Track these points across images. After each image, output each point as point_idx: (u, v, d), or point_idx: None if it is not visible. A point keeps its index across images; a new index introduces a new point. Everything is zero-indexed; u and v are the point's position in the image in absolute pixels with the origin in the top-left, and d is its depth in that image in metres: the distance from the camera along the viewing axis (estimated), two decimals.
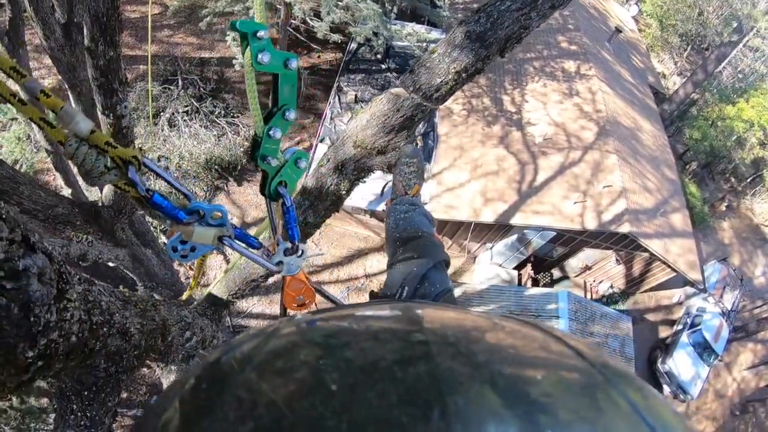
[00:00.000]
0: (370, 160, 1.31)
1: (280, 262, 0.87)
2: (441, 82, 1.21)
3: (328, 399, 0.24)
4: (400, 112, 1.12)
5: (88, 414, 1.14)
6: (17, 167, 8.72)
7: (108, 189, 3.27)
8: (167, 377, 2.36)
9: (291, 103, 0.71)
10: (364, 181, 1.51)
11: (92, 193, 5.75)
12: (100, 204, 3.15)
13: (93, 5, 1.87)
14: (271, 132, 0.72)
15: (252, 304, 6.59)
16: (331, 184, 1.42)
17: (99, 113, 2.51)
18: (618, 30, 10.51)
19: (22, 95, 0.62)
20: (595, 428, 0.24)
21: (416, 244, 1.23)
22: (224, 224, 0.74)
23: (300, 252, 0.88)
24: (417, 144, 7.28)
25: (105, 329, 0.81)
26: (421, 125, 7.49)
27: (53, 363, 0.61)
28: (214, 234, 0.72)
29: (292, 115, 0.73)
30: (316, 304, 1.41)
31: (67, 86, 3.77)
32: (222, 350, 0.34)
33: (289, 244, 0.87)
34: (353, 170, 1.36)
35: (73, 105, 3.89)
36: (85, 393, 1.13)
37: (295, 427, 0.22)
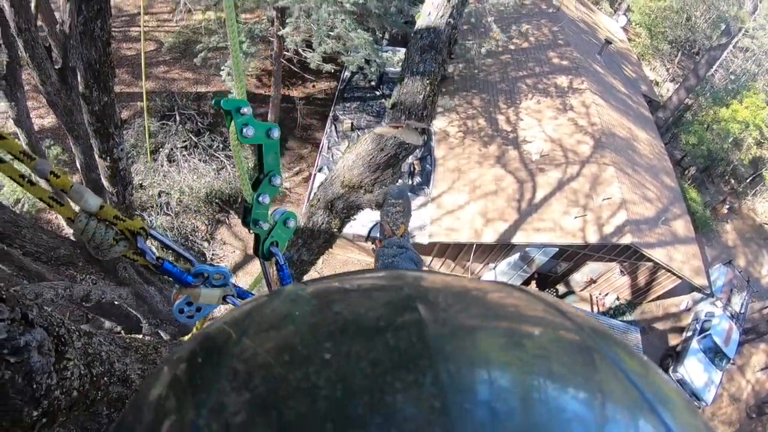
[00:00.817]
0: (358, 199, 1.36)
1: None
2: (423, 97, 1.37)
3: (322, 368, 0.24)
4: (384, 151, 1.17)
5: None
6: (19, 206, 8.76)
7: (75, 227, 3.30)
8: None
9: (276, 169, 0.76)
10: (354, 219, 1.56)
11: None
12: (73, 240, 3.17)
13: (85, 53, 1.92)
14: (260, 198, 0.76)
15: None
16: (322, 223, 1.47)
17: (96, 157, 2.54)
18: (608, 42, 10.63)
19: (32, 177, 0.66)
20: (588, 384, 0.25)
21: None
22: (227, 284, 0.78)
23: None
24: (414, 169, 7.32)
25: (106, 379, 0.84)
26: (418, 149, 7.55)
27: (57, 418, 0.65)
28: (219, 294, 0.76)
29: (277, 180, 0.77)
30: None
31: (65, 129, 3.83)
32: (215, 325, 0.34)
33: None
34: (343, 209, 1.41)
35: (72, 147, 3.95)
36: None
37: (291, 397, 0.23)
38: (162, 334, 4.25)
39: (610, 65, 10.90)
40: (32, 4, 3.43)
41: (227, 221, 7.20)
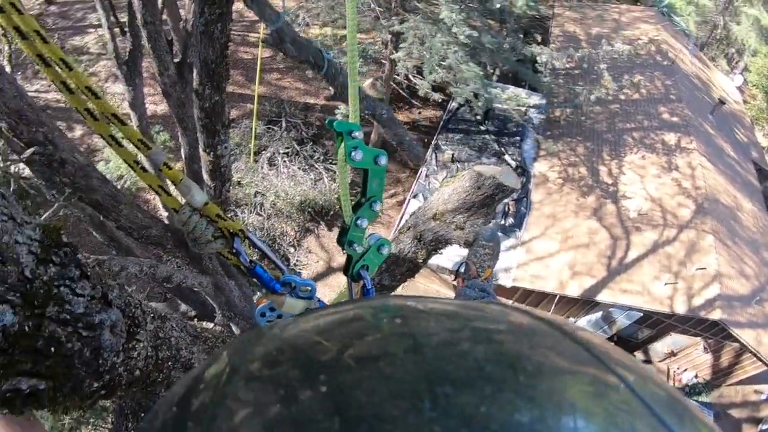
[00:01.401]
0: (448, 234, 1.35)
1: None
2: None
3: (318, 401, 0.24)
4: (482, 190, 1.16)
5: None
6: (122, 182, 9.52)
7: (177, 216, 3.43)
8: None
9: (378, 195, 0.76)
10: (441, 253, 1.54)
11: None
12: (168, 224, 3.29)
13: (203, 52, 1.98)
14: (358, 221, 0.76)
15: None
16: (408, 251, 1.46)
17: (201, 150, 2.64)
18: (722, 102, 9.99)
19: (145, 164, 0.68)
20: (591, 416, 0.23)
21: None
22: (312, 297, 0.78)
23: None
24: (509, 209, 7.22)
25: (170, 363, 0.86)
26: (515, 192, 7.44)
27: (115, 392, 0.66)
28: (303, 306, 0.76)
29: (377, 206, 0.77)
30: None
31: (175, 119, 4.07)
32: (205, 365, 0.33)
33: None
34: (431, 241, 1.40)
35: (180, 137, 4.18)
36: (142, 414, 1.18)
37: None
38: (233, 327, 4.33)
39: (722, 126, 10.24)
40: (159, 0, 3.66)
41: (316, 231, 7.43)
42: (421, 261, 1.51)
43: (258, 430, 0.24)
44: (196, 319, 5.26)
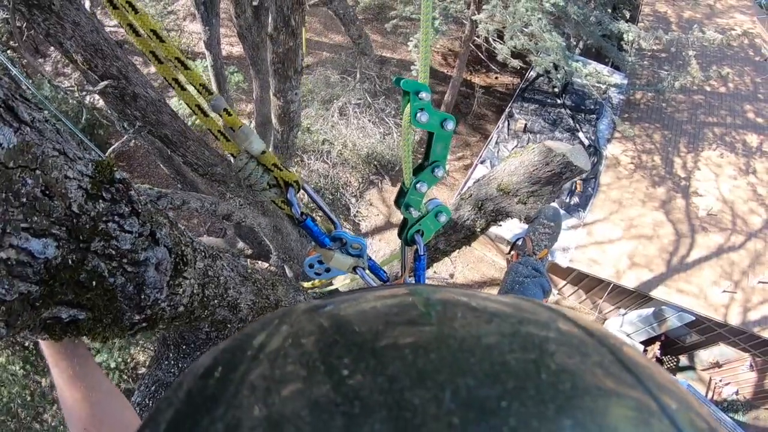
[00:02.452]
0: (509, 207, 1.31)
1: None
2: None
3: (339, 385, 0.24)
4: (549, 167, 1.11)
5: (180, 365, 1.20)
6: (192, 120, 9.78)
7: (234, 161, 3.45)
8: None
9: (442, 160, 0.73)
10: (500, 224, 1.50)
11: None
12: (230, 166, 3.32)
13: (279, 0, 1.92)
14: (418, 185, 0.74)
15: None
16: (467, 219, 1.43)
17: (271, 94, 2.59)
18: None
19: (205, 108, 0.68)
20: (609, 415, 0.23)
21: None
22: (362, 255, 0.77)
23: None
24: (575, 188, 7.06)
25: (216, 301, 0.85)
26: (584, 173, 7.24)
27: (157, 325, 0.67)
28: (351, 263, 0.76)
29: (440, 172, 0.74)
30: None
31: (249, 62, 4.07)
32: (233, 339, 0.33)
33: None
34: (492, 211, 1.37)
35: (252, 80, 4.17)
36: (183, 347, 1.18)
37: (309, 414, 0.22)
38: (287, 269, 4.32)
39: None
40: None
41: (380, 185, 7.48)
42: (478, 230, 1.48)
43: (277, 409, 0.24)
44: (251, 258, 5.39)
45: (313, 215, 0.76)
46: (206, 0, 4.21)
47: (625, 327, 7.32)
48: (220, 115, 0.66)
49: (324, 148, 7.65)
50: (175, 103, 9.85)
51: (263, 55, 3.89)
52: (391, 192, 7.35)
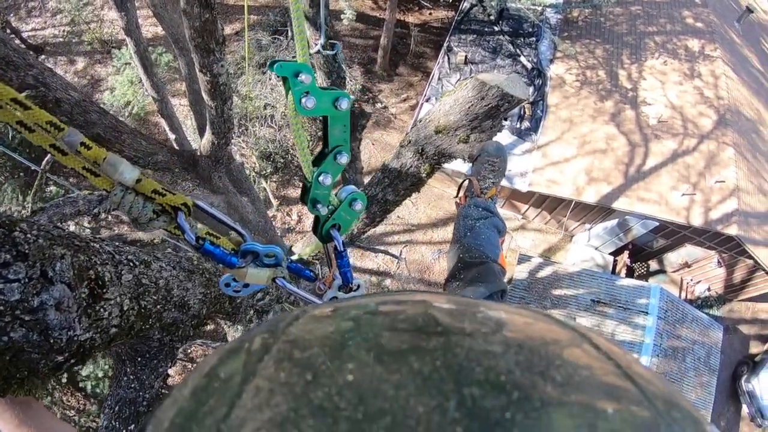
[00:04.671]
0: (451, 147, 1.25)
1: (334, 298, 0.82)
2: None
3: (344, 390, 0.24)
4: (485, 101, 1.04)
5: (140, 378, 1.17)
6: (129, 108, 9.30)
7: (207, 140, 3.36)
8: (233, 334, 2.37)
9: (344, 144, 0.65)
10: (443, 167, 1.45)
11: (196, 139, 6.01)
12: (198, 153, 3.25)
13: None
14: (320, 178, 0.67)
15: (372, 262, 6.72)
16: (411, 166, 1.38)
17: (197, 71, 2.54)
18: (749, 10, 9.40)
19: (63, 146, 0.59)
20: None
21: (477, 271, 1.23)
22: (279, 264, 0.72)
23: (356, 288, 0.83)
24: (524, 113, 6.97)
25: (159, 307, 0.81)
26: (531, 92, 7.15)
27: (90, 356, 0.63)
28: (268, 275, 0.70)
29: (344, 158, 0.66)
30: None
31: (171, 41, 3.89)
32: (238, 341, 0.33)
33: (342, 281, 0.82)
34: (433, 154, 1.32)
35: (177, 58, 4.01)
36: (138, 359, 1.16)
37: (312, 417, 0.22)
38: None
39: (748, 36, 9.71)
40: None
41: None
42: (424, 175, 1.43)
43: (281, 411, 0.23)
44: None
45: (213, 236, 0.67)
46: None
47: (592, 241, 7.39)
48: (78, 152, 0.58)
49: (267, 112, 7.36)
50: (108, 96, 9.38)
51: (183, 32, 3.83)
52: None
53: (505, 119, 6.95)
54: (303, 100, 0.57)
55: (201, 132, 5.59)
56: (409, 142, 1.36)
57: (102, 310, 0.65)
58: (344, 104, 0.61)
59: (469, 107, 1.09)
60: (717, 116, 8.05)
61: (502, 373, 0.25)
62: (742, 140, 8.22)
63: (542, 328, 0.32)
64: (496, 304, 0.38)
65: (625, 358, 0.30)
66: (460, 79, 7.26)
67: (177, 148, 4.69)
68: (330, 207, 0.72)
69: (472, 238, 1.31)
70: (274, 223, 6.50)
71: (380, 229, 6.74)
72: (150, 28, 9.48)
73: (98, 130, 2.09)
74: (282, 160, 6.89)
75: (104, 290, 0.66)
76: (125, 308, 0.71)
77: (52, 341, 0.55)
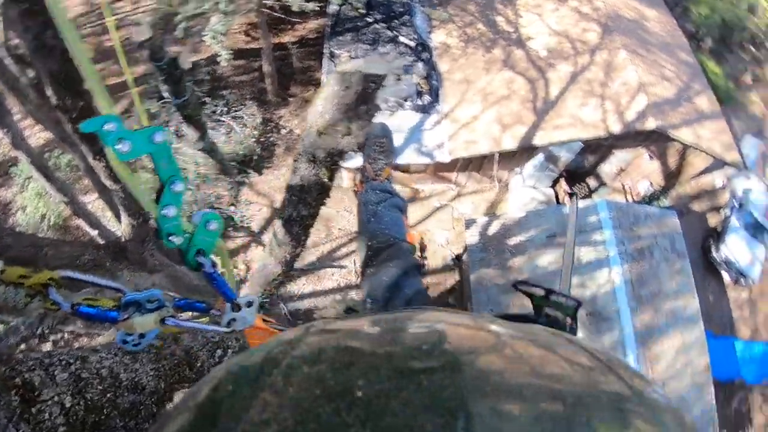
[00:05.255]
0: (339, 145, 1.28)
1: (233, 320, 0.85)
2: None
3: (352, 406, 0.24)
4: (351, 89, 1.07)
5: None
6: (46, 221, 8.96)
7: (125, 224, 3.33)
8: None
9: (176, 173, 0.68)
10: (341, 165, 1.48)
11: (120, 227, 5.90)
12: (123, 240, 3.24)
13: (46, 66, 1.84)
14: (164, 212, 0.69)
15: (302, 285, 6.73)
16: (310, 176, 1.41)
17: (90, 160, 2.55)
18: None
19: None
20: None
21: (387, 254, 1.27)
22: (162, 305, 0.74)
23: (249, 304, 0.86)
24: (421, 88, 7.11)
25: (110, 395, 0.83)
26: (421, 67, 7.29)
27: None
28: (154, 319, 0.72)
29: (179, 186, 0.69)
30: None
31: (58, 140, 3.83)
32: (247, 355, 0.34)
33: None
34: (325, 157, 1.34)
35: (70, 156, 3.96)
36: None
37: None
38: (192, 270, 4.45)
39: None
40: None
41: (248, 181, 7.23)
42: (326, 180, 1.44)
43: (289, 426, 0.23)
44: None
45: (92, 300, 0.69)
46: None
47: (527, 182, 7.61)
48: None
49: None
50: (21, 217, 9.00)
51: (68, 128, 3.81)
52: (262, 181, 7.14)
53: (405, 100, 7.07)
54: (118, 147, 0.60)
55: (119, 218, 5.48)
56: (300, 155, 1.38)
57: (40, 412, 0.65)
58: (159, 137, 0.63)
59: (339, 101, 1.11)
60: (600, 27, 8.39)
61: (511, 390, 0.26)
62: (630, 40, 8.60)
63: (549, 341, 0.33)
64: (501, 320, 0.39)
65: (625, 369, 0.30)
66: (310, 105, 7.30)
67: (102, 242, 4.60)
68: (186, 236, 0.73)
69: (376, 223, 1.34)
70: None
71: (327, 247, 6.77)
72: (40, 134, 9.15)
73: (14, 253, 2.10)
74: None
75: (37, 393, 0.66)
76: (68, 405, 0.71)
77: None
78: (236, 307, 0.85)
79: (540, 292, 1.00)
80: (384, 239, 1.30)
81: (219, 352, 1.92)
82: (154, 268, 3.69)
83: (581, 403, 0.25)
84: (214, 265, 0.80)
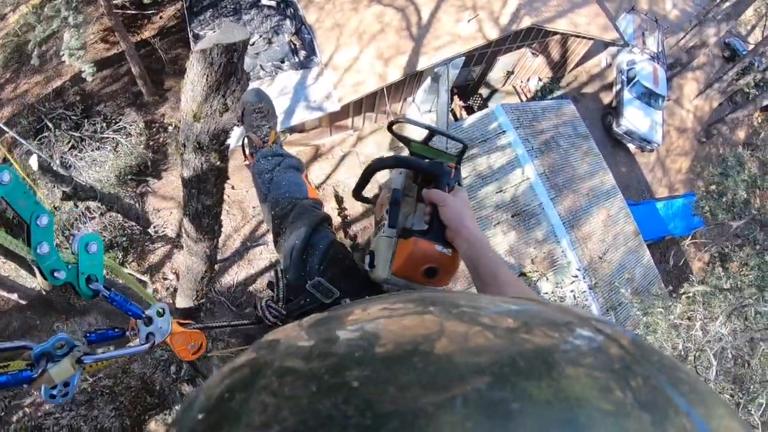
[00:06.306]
0: (220, 125, 1.23)
1: (150, 334, 0.84)
2: None
3: (350, 396, 0.24)
4: (215, 65, 1.02)
5: None
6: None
7: (38, 275, 3.22)
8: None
9: (36, 208, 0.65)
10: (229, 144, 1.41)
11: (34, 281, 5.63)
12: (44, 293, 3.15)
13: None
14: (39, 250, 0.67)
15: (234, 274, 6.70)
16: (201, 164, 1.34)
17: None
18: None
19: None
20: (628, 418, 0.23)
21: (292, 217, 1.24)
22: (73, 346, 0.71)
23: (162, 312, 0.85)
24: (295, 45, 7.04)
25: None
26: (290, 24, 7.21)
27: None
28: (70, 363, 0.70)
29: (44, 219, 0.67)
30: (208, 336, 1.38)
31: None
32: (239, 359, 0.34)
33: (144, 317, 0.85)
34: (211, 141, 1.28)
35: None
36: None
37: (321, 428, 0.23)
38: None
39: None
40: None
41: (149, 189, 7.01)
42: (219, 163, 1.36)
43: (289, 426, 0.23)
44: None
45: (2, 367, 0.64)
46: None
47: (422, 108, 7.84)
48: None
49: (80, 207, 6.89)
50: None
51: None
52: (165, 185, 6.94)
53: (282, 61, 7.01)
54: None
55: (33, 273, 5.24)
56: (184, 145, 1.30)
57: None
58: (5, 177, 0.61)
59: (207, 80, 1.05)
60: None
61: (506, 364, 0.25)
62: None
63: (547, 315, 0.32)
64: (491, 296, 0.39)
65: (631, 343, 0.29)
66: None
67: (25, 303, 4.41)
68: (71, 267, 0.71)
69: (276, 190, 1.31)
70: (158, 295, 6.32)
71: (246, 228, 6.77)
72: None
73: None
74: (124, 237, 6.61)
75: None
76: None
77: None
78: (148, 321, 0.83)
79: (420, 133, 0.95)
80: (287, 204, 1.27)
81: (173, 368, 1.84)
82: (87, 308, 3.63)
83: (507, 369, 0.25)
84: (108, 287, 0.77)
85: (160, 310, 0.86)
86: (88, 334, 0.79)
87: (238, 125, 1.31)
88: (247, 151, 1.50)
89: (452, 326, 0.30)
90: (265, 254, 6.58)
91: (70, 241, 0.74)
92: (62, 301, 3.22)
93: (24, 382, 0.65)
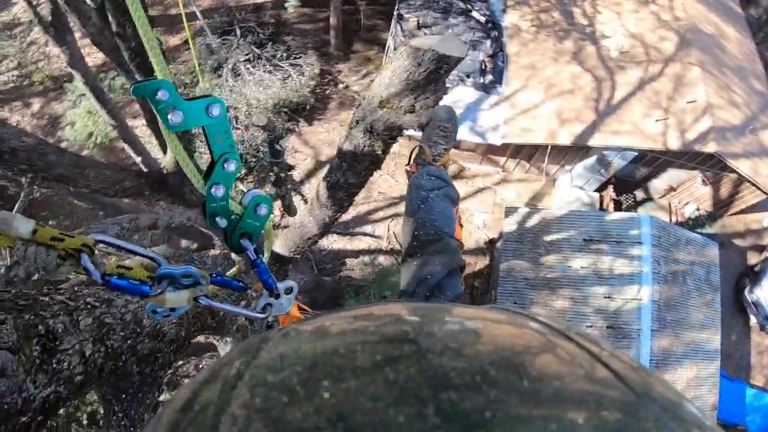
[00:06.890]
0: (399, 120, 1.21)
1: (268, 305, 0.82)
2: None
3: (321, 408, 0.23)
4: (423, 66, 1.00)
5: (129, 414, 1.16)
6: (93, 139, 9.15)
7: (170, 156, 3.31)
8: (223, 347, 2.41)
9: (230, 150, 0.63)
10: (398, 141, 1.39)
11: (164, 158, 5.99)
12: (165, 171, 3.25)
13: None
14: (212, 190, 0.65)
15: (332, 241, 6.74)
16: (364, 146, 1.34)
17: None
18: None
19: None
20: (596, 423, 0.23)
21: (434, 249, 1.23)
22: (198, 283, 0.71)
23: (290, 290, 0.82)
24: (485, 66, 6.93)
25: (130, 341, 0.81)
26: (489, 45, 7.10)
27: (57, 408, 0.62)
28: (188, 296, 0.69)
29: (232, 165, 0.65)
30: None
31: (115, 65, 3.85)
32: (210, 370, 0.33)
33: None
34: (384, 130, 1.28)
35: (124, 80, 4.02)
36: (123, 396, 1.14)
37: None
38: (234, 254, 4.54)
39: None
40: None
41: (297, 129, 7.22)
42: (380, 152, 1.38)
43: None
44: (199, 251, 5.28)
45: (124, 269, 0.65)
46: (53, 21, 3.92)
47: (575, 181, 7.42)
48: None
49: (230, 115, 7.28)
50: (69, 131, 9.22)
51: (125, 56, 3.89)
52: (311, 132, 7.12)
53: (467, 76, 6.91)
54: (170, 117, 0.56)
55: (164, 149, 5.56)
56: (357, 122, 1.32)
57: (60, 362, 0.64)
58: (216, 110, 0.59)
59: (407, 76, 1.05)
60: (678, 37, 8.04)
61: (477, 373, 0.25)
62: (706, 57, 8.23)
63: (514, 323, 0.32)
64: (465, 306, 0.38)
65: (589, 342, 0.30)
66: (385, 61, 7.16)
67: (145, 170, 4.67)
68: (233, 217, 0.70)
69: (426, 212, 1.29)
70: None
71: (364, 208, 6.75)
72: (97, 55, 9.30)
73: (60, 170, 2.12)
74: (254, 159, 6.86)
75: (58, 342, 0.65)
76: (88, 353, 0.70)
77: (7, 407, 0.55)
78: (274, 295, 0.82)
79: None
80: (432, 232, 1.25)
81: (242, 303, 1.87)
82: (192, 203, 3.71)
83: (549, 376, 0.25)
84: (257, 252, 0.75)
85: (290, 288, 0.84)
86: (213, 274, 0.75)
87: (416, 130, 1.29)
88: (413, 159, 1.49)
89: (426, 337, 0.29)
90: (367, 238, 6.53)
91: (241, 194, 0.72)
92: (176, 187, 3.28)
93: (139, 294, 0.65)
